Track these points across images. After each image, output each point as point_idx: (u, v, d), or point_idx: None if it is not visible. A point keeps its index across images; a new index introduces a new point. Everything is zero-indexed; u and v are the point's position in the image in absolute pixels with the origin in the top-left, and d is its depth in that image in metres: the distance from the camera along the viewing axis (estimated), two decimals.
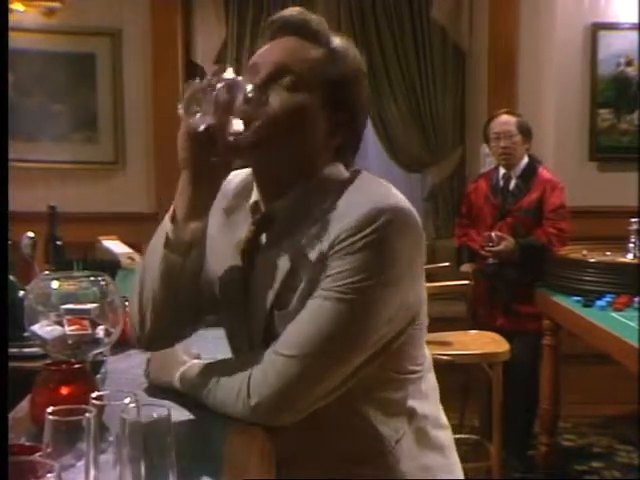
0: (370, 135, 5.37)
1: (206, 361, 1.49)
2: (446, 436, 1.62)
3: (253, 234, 1.49)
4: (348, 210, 1.37)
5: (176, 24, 4.92)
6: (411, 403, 1.51)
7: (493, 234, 4.06)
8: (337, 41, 1.48)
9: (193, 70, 4.98)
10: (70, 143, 4.84)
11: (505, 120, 4.22)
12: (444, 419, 1.63)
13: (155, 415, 0.85)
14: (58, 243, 3.38)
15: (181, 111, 1.34)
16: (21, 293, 1.89)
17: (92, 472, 0.83)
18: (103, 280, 1.41)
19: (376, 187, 1.43)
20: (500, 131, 4.18)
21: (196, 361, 1.51)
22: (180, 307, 1.45)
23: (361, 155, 5.53)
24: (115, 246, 3.96)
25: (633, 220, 3.67)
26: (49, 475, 0.75)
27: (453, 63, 5.15)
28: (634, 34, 4.55)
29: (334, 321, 1.32)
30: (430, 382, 1.60)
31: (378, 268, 1.34)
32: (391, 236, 1.34)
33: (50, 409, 0.85)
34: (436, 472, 1.54)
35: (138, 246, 3.96)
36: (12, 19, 4.05)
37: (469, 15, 5.08)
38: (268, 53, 1.46)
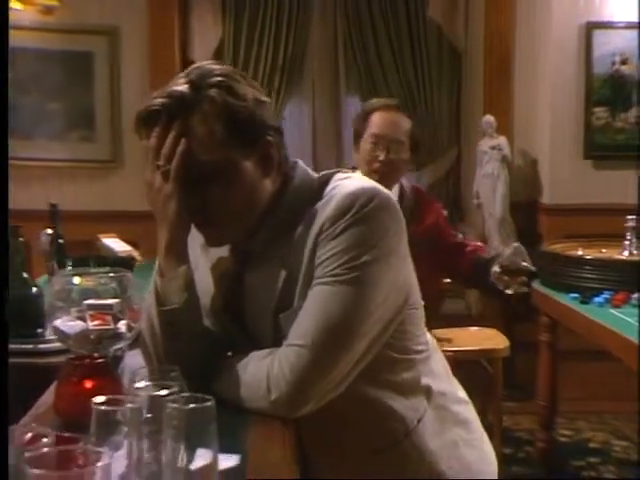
0: None
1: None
2: (468, 411, 1.68)
3: (236, 268, 1.53)
4: (326, 203, 1.43)
5: (173, 23, 4.94)
6: (425, 381, 1.57)
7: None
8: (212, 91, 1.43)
9: None
10: (67, 141, 4.84)
11: (395, 121, 2.97)
12: (463, 395, 1.69)
13: (196, 405, 0.87)
14: (60, 241, 3.40)
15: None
16: (34, 290, 1.91)
17: (136, 462, 0.85)
18: (123, 276, 1.43)
19: (348, 178, 1.51)
20: (382, 134, 2.93)
21: None
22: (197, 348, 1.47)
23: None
24: (115, 244, 3.98)
25: (629, 217, 3.69)
26: (98, 464, 0.77)
27: (449, 62, 5.19)
28: (629, 32, 4.57)
29: (332, 303, 1.37)
30: (439, 362, 1.66)
31: (365, 246, 1.39)
32: (371, 215, 1.40)
33: (96, 399, 0.87)
34: (462, 447, 1.59)
35: (136, 244, 3.99)
36: (10, 17, 4.05)
37: (465, 14, 5.12)
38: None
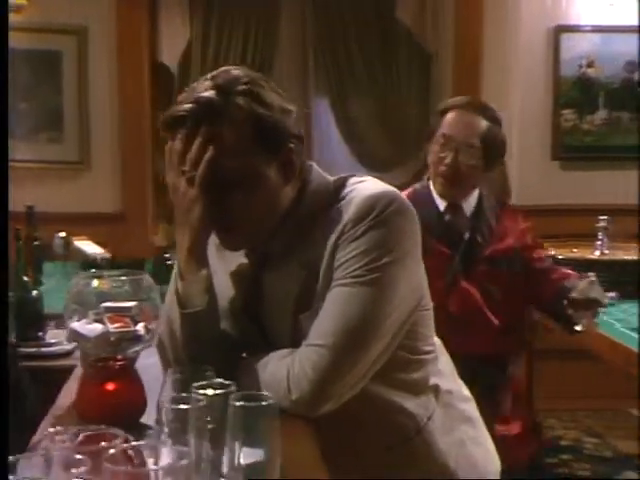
0: (335, 135, 5.40)
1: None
2: (472, 408, 1.72)
3: (254, 270, 1.54)
4: (346, 206, 1.45)
5: (141, 23, 4.89)
6: (433, 381, 1.60)
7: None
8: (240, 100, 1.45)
9: (159, 70, 4.97)
10: (35, 142, 4.77)
11: (467, 122, 2.70)
12: (467, 393, 1.73)
13: (258, 403, 0.87)
14: (36, 243, 3.36)
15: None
16: (34, 293, 1.89)
17: (195, 459, 0.84)
18: (140, 278, 1.42)
19: (363, 181, 1.53)
20: (451, 135, 2.69)
21: None
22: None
23: (326, 154, 5.44)
24: (87, 246, 3.95)
25: (601, 218, 3.74)
26: (164, 462, 0.76)
27: (418, 64, 5.20)
28: (595, 36, 4.67)
29: (353, 304, 1.39)
30: (444, 362, 1.69)
31: (385, 248, 1.41)
32: (390, 217, 1.43)
33: (164, 399, 0.87)
34: (469, 445, 1.62)
35: (105, 245, 3.96)
36: None
37: (434, 16, 5.14)
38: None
